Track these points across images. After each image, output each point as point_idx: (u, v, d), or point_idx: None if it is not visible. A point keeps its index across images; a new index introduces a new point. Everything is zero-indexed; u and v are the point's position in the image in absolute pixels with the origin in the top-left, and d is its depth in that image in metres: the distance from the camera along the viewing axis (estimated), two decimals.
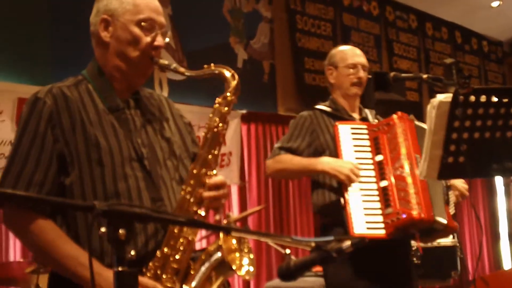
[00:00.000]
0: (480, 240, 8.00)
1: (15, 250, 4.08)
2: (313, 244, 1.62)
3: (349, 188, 2.78)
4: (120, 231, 1.25)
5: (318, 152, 2.98)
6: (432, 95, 2.10)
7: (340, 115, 3.05)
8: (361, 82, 3.10)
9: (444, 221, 2.76)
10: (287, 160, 2.97)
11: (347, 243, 1.63)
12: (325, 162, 2.85)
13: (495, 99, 2.03)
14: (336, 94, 3.14)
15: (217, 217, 1.87)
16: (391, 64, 7.61)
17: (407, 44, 7.95)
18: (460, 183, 2.97)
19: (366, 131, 2.92)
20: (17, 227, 1.81)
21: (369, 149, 2.88)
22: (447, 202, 2.84)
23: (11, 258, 4.04)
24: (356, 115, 3.12)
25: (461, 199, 2.99)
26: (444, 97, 2.06)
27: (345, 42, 6.86)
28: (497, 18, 8.48)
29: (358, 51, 3.17)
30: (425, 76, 2.85)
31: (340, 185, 2.84)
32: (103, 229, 1.25)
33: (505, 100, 2.04)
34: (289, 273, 1.69)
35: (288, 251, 1.70)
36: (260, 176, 5.70)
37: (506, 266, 8.60)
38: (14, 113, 3.93)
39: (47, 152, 1.77)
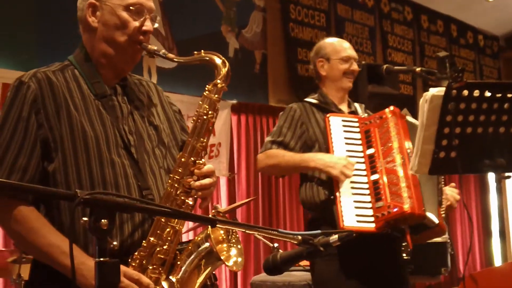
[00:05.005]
0: (470, 237, 8.02)
1: None
2: (299, 238, 1.59)
3: (340, 184, 2.73)
4: (102, 220, 1.24)
5: (307, 145, 2.93)
6: (426, 88, 2.07)
7: (329, 108, 3.01)
8: (354, 75, 3.09)
9: (436, 220, 2.73)
10: (279, 156, 2.89)
11: (334, 237, 1.60)
12: (318, 159, 2.79)
13: (488, 93, 2.00)
14: (326, 86, 3.10)
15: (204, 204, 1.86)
16: (386, 56, 7.58)
17: (402, 37, 7.91)
18: (451, 192, 2.90)
19: (357, 124, 2.88)
20: None
21: (360, 142, 2.84)
22: (439, 203, 2.79)
23: None
24: (345, 109, 3.08)
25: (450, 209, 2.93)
26: (436, 91, 2.03)
27: (339, 33, 6.81)
28: (493, 12, 8.46)
29: (348, 43, 3.14)
30: (418, 69, 2.84)
31: (331, 180, 2.78)
32: (84, 219, 1.25)
33: (498, 95, 2.01)
34: (275, 267, 1.66)
35: (276, 244, 1.66)
36: (250, 168, 5.64)
37: (497, 263, 8.62)
38: None
39: (30, 137, 1.75)
